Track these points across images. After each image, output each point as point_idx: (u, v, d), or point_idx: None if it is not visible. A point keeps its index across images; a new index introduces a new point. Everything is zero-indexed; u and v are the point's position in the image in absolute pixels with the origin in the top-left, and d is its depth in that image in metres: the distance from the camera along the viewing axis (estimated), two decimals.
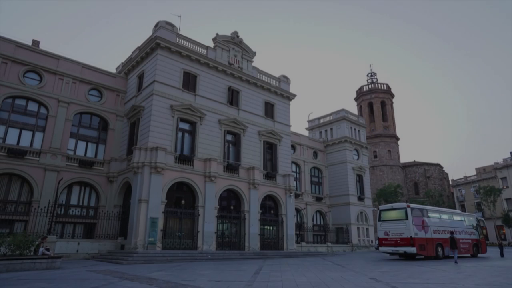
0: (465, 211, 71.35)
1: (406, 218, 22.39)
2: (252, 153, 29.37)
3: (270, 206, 30.32)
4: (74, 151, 25.41)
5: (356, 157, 46.09)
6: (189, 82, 26.78)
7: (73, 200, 24.74)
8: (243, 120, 29.39)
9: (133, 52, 29.76)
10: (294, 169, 40.47)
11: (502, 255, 26.09)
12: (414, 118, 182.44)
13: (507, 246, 55.00)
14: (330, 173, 45.11)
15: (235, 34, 30.95)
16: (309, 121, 51.11)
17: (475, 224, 27.63)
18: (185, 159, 24.72)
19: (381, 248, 24.13)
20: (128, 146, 25.87)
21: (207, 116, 26.91)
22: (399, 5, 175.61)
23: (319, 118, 49.71)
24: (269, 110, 32.44)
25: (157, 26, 26.23)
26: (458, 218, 26.98)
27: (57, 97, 24.81)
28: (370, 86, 78.73)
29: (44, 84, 24.57)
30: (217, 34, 29.60)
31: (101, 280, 11.21)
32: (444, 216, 25.56)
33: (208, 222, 24.55)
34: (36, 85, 24.28)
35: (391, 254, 24.50)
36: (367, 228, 43.85)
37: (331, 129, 47.10)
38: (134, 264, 18.27)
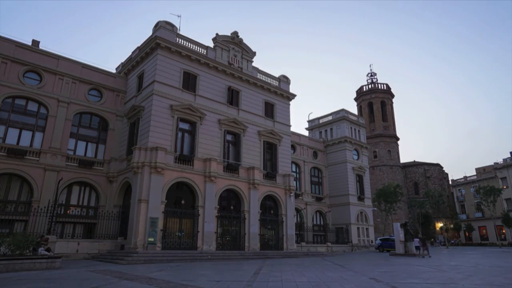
0: (465, 211, 71.46)
1: None
2: (252, 153, 29.36)
3: (270, 206, 30.30)
4: (74, 151, 25.40)
5: (356, 157, 46.07)
6: (189, 82, 26.77)
7: (73, 200, 24.73)
8: (243, 120, 29.38)
9: (133, 52, 29.75)
10: (294, 169, 40.45)
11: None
12: (414, 118, 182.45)
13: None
14: (330, 173, 45.09)
15: (235, 34, 30.94)
16: (309, 121, 51.11)
17: None
18: (185, 159, 24.71)
19: None
20: (128, 146, 25.86)
21: (207, 116, 26.90)
22: (399, 5, 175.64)
23: (319, 118, 49.71)
24: (269, 110, 32.42)
25: (157, 26, 26.22)
26: None
27: (57, 97, 24.80)
28: (370, 86, 78.66)
29: (44, 84, 24.56)
30: (217, 34, 29.59)
31: (101, 280, 11.21)
32: None
33: (208, 222, 24.53)
34: (36, 85, 24.27)
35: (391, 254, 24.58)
36: (367, 228, 43.84)
37: (331, 129, 47.09)
38: (134, 264, 18.26)
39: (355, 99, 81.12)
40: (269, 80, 33.05)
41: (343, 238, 41.19)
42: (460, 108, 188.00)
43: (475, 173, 74.98)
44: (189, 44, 27.30)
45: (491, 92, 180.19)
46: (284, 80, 34.58)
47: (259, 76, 32.27)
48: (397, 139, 74.29)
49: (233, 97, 29.45)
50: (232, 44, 30.45)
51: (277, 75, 34.27)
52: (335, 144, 45.47)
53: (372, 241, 43.73)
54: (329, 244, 37.26)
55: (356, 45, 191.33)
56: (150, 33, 27.15)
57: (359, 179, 45.20)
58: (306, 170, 42.65)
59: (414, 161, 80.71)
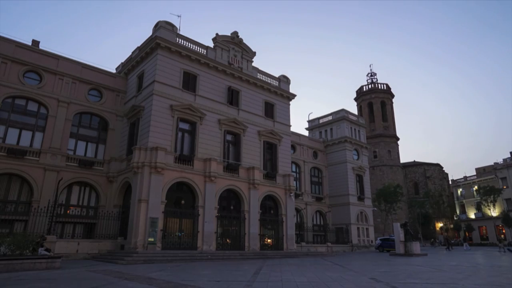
0: (465, 211, 71.43)
1: None
2: (252, 153, 29.35)
3: (270, 206, 30.30)
4: (74, 151, 25.40)
5: (356, 157, 46.08)
6: (189, 82, 26.77)
7: (73, 200, 24.73)
8: (243, 120, 29.37)
9: (133, 52, 29.75)
10: (294, 169, 40.45)
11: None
12: (414, 118, 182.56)
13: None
14: (330, 173, 45.09)
15: (235, 34, 30.94)
16: (309, 121, 51.12)
17: None
18: (185, 159, 24.70)
19: None
20: (128, 146, 25.85)
21: (207, 116, 26.90)
22: (399, 5, 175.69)
23: (319, 118, 49.71)
24: (269, 110, 32.42)
25: (157, 26, 26.21)
26: None
27: (57, 97, 24.79)
28: (370, 86, 78.56)
29: (44, 84, 24.56)
30: (217, 34, 29.59)
31: (101, 280, 11.21)
32: None
33: (208, 222, 24.53)
34: (36, 85, 24.27)
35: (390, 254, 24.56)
36: (367, 228, 43.84)
37: (331, 129, 47.09)
38: (134, 264, 18.26)
39: (355, 99, 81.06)
40: (269, 80, 33.05)
41: (343, 238, 41.17)
42: (460, 108, 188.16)
43: (475, 173, 74.94)
44: (189, 44, 27.29)
45: (492, 92, 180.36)
46: (284, 80, 34.58)
47: (259, 76, 32.27)
48: (397, 139, 74.22)
49: (233, 97, 29.44)
50: (232, 44, 30.45)
51: (277, 75, 34.27)
52: (335, 144, 45.47)
53: (372, 241, 43.72)
54: (329, 244, 37.23)
55: (356, 45, 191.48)
56: (150, 33, 27.16)
57: (359, 179, 45.19)
58: (306, 170, 42.65)
59: (414, 161, 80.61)
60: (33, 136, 23.71)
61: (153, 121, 23.68)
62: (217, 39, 29.46)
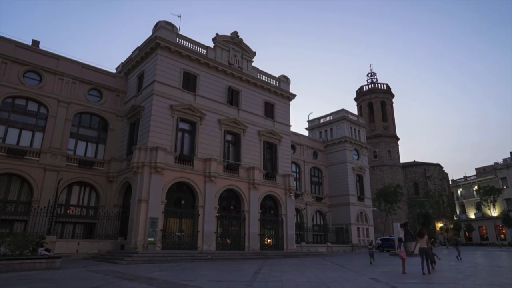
0: (465, 211, 71.45)
1: None
2: (252, 153, 29.36)
3: (270, 206, 30.30)
4: (74, 151, 25.39)
5: (356, 157, 46.08)
6: (189, 82, 26.77)
7: (73, 200, 24.72)
8: (243, 120, 29.37)
9: (133, 52, 29.75)
10: (294, 169, 40.44)
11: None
12: (414, 118, 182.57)
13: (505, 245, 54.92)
14: (330, 173, 45.10)
15: (235, 34, 30.94)
16: (309, 121, 51.12)
17: None
18: (185, 159, 24.70)
19: None
20: (128, 146, 25.85)
21: (207, 116, 26.90)
22: (399, 5, 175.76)
23: (319, 118, 49.72)
24: (269, 110, 32.42)
25: (157, 26, 26.22)
26: None
27: (57, 97, 24.79)
28: (370, 86, 78.53)
29: (44, 84, 24.55)
30: (217, 34, 29.58)
31: (101, 280, 11.21)
32: None
33: (208, 222, 24.53)
34: (36, 85, 24.27)
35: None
36: (367, 228, 43.84)
37: (331, 129, 47.10)
38: (134, 264, 18.26)
39: (355, 99, 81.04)
40: (269, 80, 33.04)
41: (343, 238, 41.17)
42: (460, 107, 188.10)
43: (475, 173, 74.96)
44: (189, 44, 27.29)
45: (493, 91, 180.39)
46: (284, 80, 34.58)
47: (259, 76, 32.27)
48: (397, 139, 74.19)
49: (233, 97, 29.44)
50: (232, 44, 30.45)
51: (277, 75, 34.27)
52: (335, 144, 45.48)
53: (372, 241, 43.71)
54: (329, 244, 37.24)
55: (356, 45, 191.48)
56: (150, 33, 27.17)
57: (359, 179, 45.19)
58: (306, 170, 42.65)
59: (414, 161, 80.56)
60: (33, 136, 23.71)
61: (153, 121, 23.68)
62: (217, 39, 29.46)
